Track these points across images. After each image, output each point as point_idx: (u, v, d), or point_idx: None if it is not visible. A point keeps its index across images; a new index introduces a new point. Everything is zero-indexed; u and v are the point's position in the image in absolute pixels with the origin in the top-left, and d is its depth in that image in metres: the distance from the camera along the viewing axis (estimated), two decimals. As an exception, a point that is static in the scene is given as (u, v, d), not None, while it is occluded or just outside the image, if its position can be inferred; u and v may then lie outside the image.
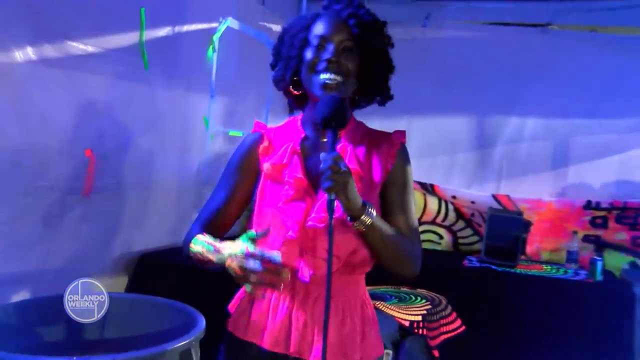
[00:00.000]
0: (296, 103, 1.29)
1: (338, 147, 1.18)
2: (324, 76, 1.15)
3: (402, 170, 1.23)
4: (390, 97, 1.27)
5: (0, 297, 1.74)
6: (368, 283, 3.13)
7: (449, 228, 3.36)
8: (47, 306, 1.56)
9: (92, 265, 2.21)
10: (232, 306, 1.29)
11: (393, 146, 1.23)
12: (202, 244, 1.15)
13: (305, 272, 1.15)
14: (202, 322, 1.52)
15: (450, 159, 3.36)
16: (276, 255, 1.03)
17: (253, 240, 1.07)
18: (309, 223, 1.14)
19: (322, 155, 1.06)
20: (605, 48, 3.06)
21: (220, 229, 1.25)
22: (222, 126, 2.82)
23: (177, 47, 2.46)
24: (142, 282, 2.33)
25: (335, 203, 1.05)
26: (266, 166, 1.21)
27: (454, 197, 3.30)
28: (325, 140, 1.15)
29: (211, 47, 2.66)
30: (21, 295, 1.82)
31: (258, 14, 2.90)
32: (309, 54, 1.18)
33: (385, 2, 3.16)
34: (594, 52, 3.08)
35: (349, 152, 1.21)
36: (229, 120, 2.88)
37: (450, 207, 3.34)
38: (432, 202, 3.36)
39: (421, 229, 3.37)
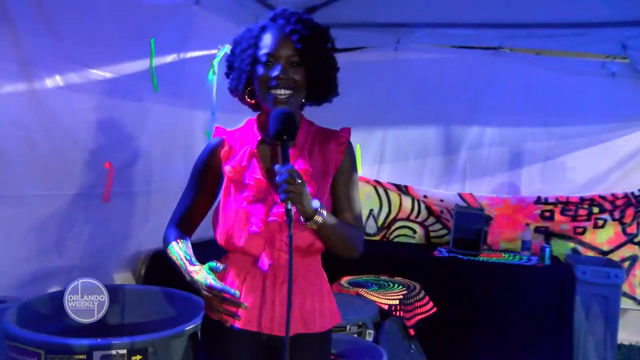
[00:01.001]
0: (252, 109, 1.27)
1: (291, 150, 1.17)
2: (274, 92, 1.13)
3: (348, 166, 1.22)
4: (336, 94, 1.22)
5: (36, 289, 1.78)
6: (351, 273, 3.17)
7: (421, 223, 3.40)
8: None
9: (112, 261, 2.25)
10: None
11: (340, 144, 1.21)
12: (176, 257, 1.17)
13: (265, 262, 1.15)
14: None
15: (421, 163, 3.38)
16: (235, 291, 1.09)
17: (214, 271, 1.11)
18: (270, 218, 1.13)
19: (277, 167, 1.06)
20: (549, 68, 3.17)
21: (192, 224, 1.27)
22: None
23: (182, 72, 2.49)
24: (155, 276, 2.36)
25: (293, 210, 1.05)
26: (227, 169, 1.19)
27: (425, 196, 3.34)
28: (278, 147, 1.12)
29: (211, 70, 2.67)
30: (54, 288, 1.86)
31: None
32: (259, 70, 1.14)
33: (361, 29, 3.24)
34: (539, 72, 3.17)
35: (301, 155, 1.18)
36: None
37: (422, 205, 3.37)
38: (406, 201, 3.40)
39: (397, 225, 3.44)
